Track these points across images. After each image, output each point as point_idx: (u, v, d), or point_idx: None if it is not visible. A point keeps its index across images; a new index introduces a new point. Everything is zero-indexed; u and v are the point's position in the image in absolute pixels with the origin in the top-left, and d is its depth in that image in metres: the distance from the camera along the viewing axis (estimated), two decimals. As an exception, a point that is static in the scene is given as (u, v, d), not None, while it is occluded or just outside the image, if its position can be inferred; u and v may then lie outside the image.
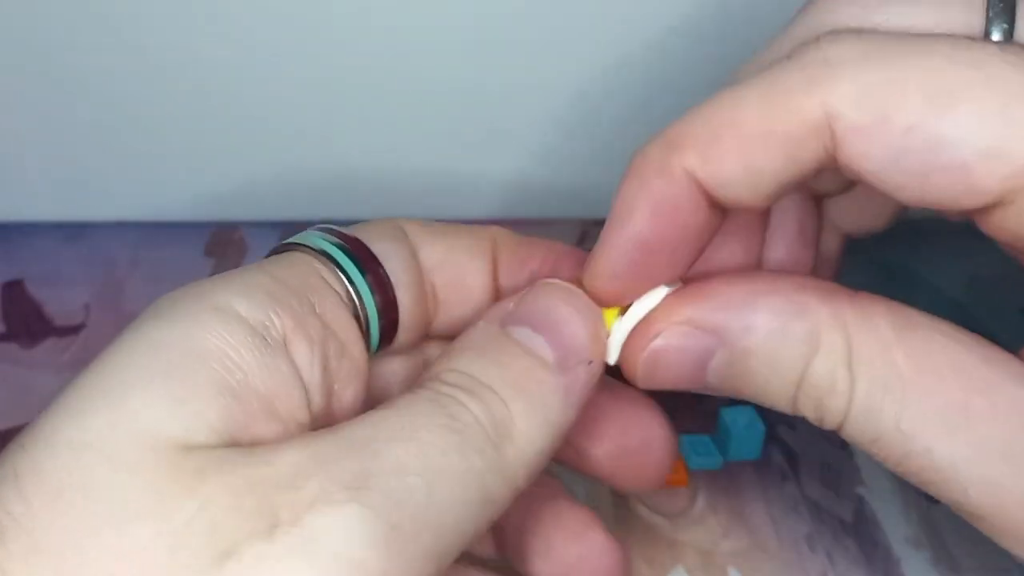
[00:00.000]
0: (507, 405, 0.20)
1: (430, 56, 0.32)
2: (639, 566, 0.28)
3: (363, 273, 0.22)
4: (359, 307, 0.22)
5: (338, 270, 0.21)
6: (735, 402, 0.31)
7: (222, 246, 0.36)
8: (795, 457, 0.31)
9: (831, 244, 0.26)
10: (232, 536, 0.16)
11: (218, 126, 0.33)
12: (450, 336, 0.23)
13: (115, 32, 0.31)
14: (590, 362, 0.21)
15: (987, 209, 0.19)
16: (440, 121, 0.34)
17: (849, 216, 0.25)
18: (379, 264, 0.22)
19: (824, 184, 0.24)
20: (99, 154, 0.34)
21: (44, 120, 0.33)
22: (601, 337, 0.22)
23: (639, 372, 0.22)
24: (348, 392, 0.21)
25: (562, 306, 0.21)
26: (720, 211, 0.21)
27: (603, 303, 0.22)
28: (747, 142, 0.19)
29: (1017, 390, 0.19)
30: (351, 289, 0.22)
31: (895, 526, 0.29)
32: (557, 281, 0.22)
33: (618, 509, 0.29)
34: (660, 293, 0.22)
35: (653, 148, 0.21)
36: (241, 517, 0.16)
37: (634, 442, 0.24)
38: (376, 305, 0.22)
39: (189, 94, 0.32)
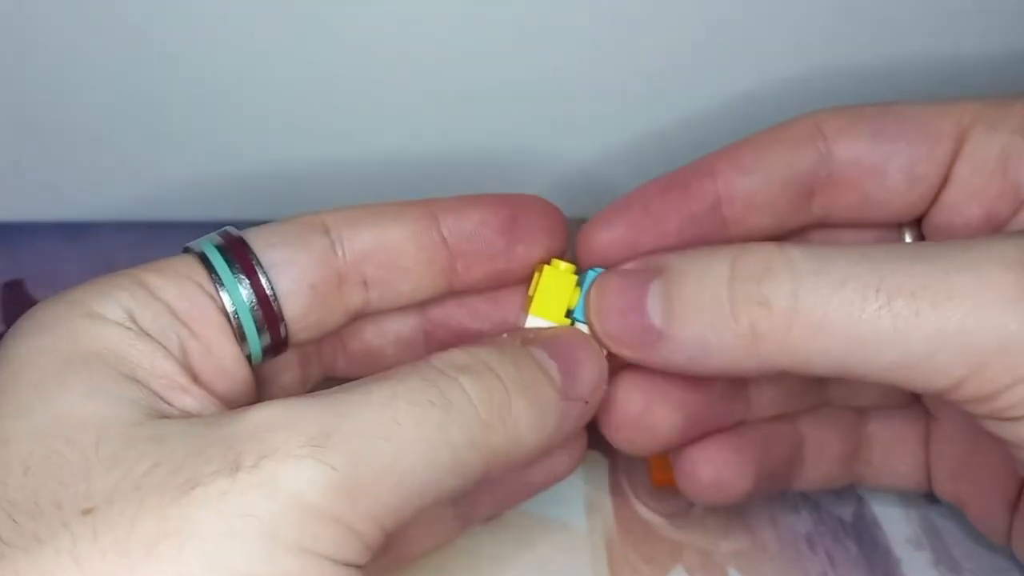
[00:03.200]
0: (510, 395, 0.21)
1: (432, 55, 0.32)
2: (639, 566, 0.28)
3: (238, 281, 0.22)
4: (232, 315, 0.22)
5: (214, 276, 0.22)
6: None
7: (222, 246, 0.35)
8: (795, 457, 0.31)
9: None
10: (196, 473, 0.17)
11: (219, 126, 0.33)
12: (388, 310, 0.24)
13: (115, 31, 0.31)
14: (586, 402, 0.23)
15: None
16: (440, 121, 0.34)
17: None
18: (256, 273, 0.22)
19: None
20: (99, 154, 0.34)
21: (44, 120, 0.33)
22: (601, 389, 0.23)
23: (592, 303, 0.23)
24: (218, 389, 0.22)
25: (580, 348, 0.23)
26: None
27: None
28: None
29: None
30: (225, 298, 0.22)
31: (895, 526, 0.29)
32: (584, 332, 0.24)
33: (618, 509, 0.29)
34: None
35: None
36: (203, 461, 0.18)
37: None
38: (253, 313, 0.22)
39: (190, 94, 0.32)
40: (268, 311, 0.22)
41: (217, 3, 0.30)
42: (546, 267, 0.25)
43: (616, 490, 0.30)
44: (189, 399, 0.20)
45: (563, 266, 0.25)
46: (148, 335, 0.21)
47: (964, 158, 0.24)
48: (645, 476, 0.30)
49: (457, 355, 0.21)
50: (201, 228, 0.35)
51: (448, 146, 0.34)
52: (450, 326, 0.26)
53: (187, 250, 0.23)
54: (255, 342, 0.22)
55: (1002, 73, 0.33)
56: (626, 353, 0.23)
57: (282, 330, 0.23)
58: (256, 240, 0.23)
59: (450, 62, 0.32)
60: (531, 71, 0.32)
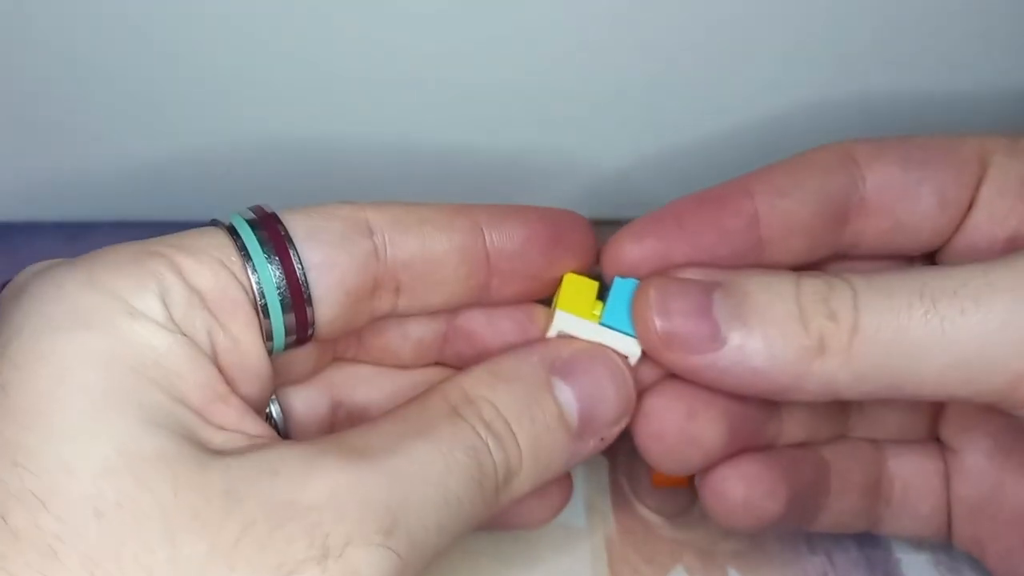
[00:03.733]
0: (522, 459, 0.22)
1: (434, 54, 0.32)
2: (639, 566, 0.28)
3: (274, 277, 0.21)
4: (261, 308, 0.21)
5: (245, 261, 0.21)
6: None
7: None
8: (795, 457, 0.31)
9: None
10: (287, 557, 0.17)
11: (220, 125, 0.33)
12: (412, 314, 0.24)
13: (115, 31, 0.31)
14: (602, 439, 0.23)
15: None
16: (441, 120, 0.34)
17: None
18: (295, 273, 0.21)
19: None
20: (99, 154, 0.34)
21: (44, 120, 0.33)
22: (623, 424, 0.23)
23: (653, 303, 0.22)
24: (240, 389, 0.21)
25: (608, 387, 0.23)
26: None
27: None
28: None
29: None
30: (253, 281, 0.21)
31: (895, 526, 0.29)
32: (614, 355, 0.23)
33: (618, 509, 0.29)
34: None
35: None
36: (288, 540, 0.18)
37: None
38: (285, 318, 0.21)
39: (190, 93, 0.32)
40: (301, 315, 0.21)
41: (218, 3, 0.30)
42: (567, 275, 0.24)
43: (616, 490, 0.30)
44: (229, 411, 0.20)
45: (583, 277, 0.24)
46: (185, 335, 0.20)
47: (987, 182, 0.24)
48: (645, 476, 0.30)
49: (486, 409, 0.21)
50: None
51: (469, 145, 0.34)
52: (472, 340, 0.25)
53: (214, 222, 0.22)
54: (279, 340, 0.21)
55: (1003, 114, 0.33)
56: (680, 360, 0.22)
57: (309, 331, 0.22)
58: (297, 231, 0.21)
59: (475, 61, 0.32)
60: (560, 73, 0.32)
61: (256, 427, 0.20)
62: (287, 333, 0.21)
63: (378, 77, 0.32)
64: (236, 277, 0.21)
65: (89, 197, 0.35)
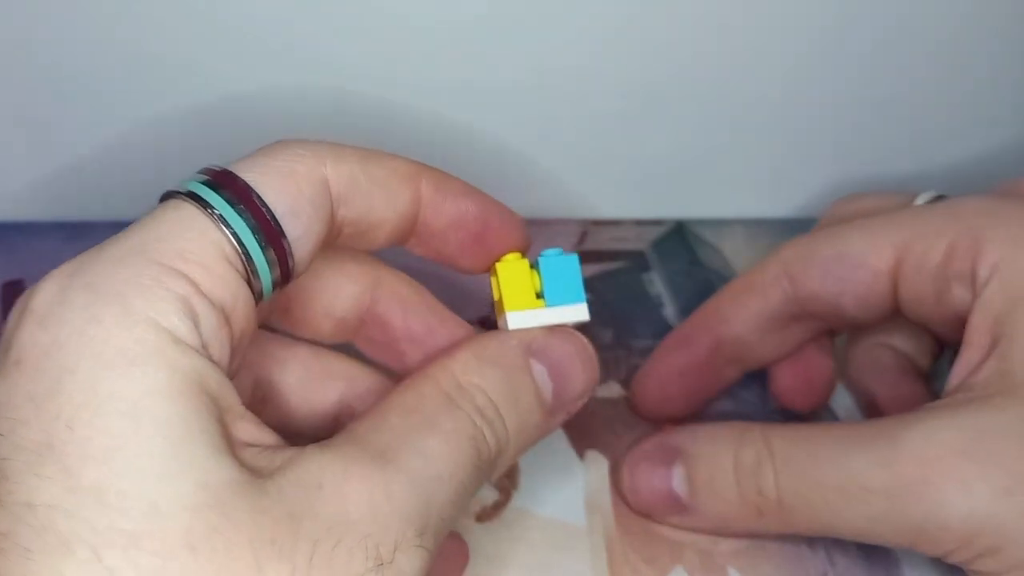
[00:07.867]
0: (509, 439, 0.24)
1: (433, 55, 0.32)
2: (639, 566, 0.28)
3: (268, 262, 0.21)
4: (245, 263, 0.21)
5: (236, 240, 0.21)
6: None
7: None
8: (795, 457, 0.31)
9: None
10: (352, 570, 0.19)
11: (218, 125, 0.33)
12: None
13: (115, 32, 0.31)
14: (568, 412, 0.26)
15: None
16: (441, 119, 0.34)
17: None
18: (284, 251, 0.21)
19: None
20: (99, 154, 0.34)
21: (44, 120, 0.33)
22: (588, 397, 0.26)
23: (627, 487, 0.29)
24: (235, 363, 0.22)
25: (578, 365, 0.25)
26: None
27: None
28: None
29: None
30: (233, 241, 0.21)
31: (895, 526, 0.29)
32: (584, 341, 0.25)
33: (618, 509, 0.29)
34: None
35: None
36: (350, 554, 0.19)
37: None
38: (272, 277, 0.21)
39: (189, 94, 0.32)
40: (284, 278, 0.22)
41: (217, 7, 0.30)
42: (498, 265, 0.25)
43: (616, 490, 0.30)
44: (247, 425, 0.20)
45: (510, 257, 0.25)
46: (214, 362, 0.20)
47: (902, 291, 0.28)
48: (645, 476, 0.30)
49: (478, 396, 0.23)
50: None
51: (469, 142, 0.34)
52: (385, 329, 0.26)
53: (183, 197, 0.22)
54: (264, 297, 0.22)
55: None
56: (657, 518, 0.29)
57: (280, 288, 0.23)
58: (276, 206, 0.21)
59: (476, 61, 0.32)
60: (560, 72, 0.32)
61: (267, 435, 0.21)
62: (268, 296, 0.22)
63: (377, 78, 0.32)
64: (238, 270, 0.21)
65: (89, 197, 0.35)
